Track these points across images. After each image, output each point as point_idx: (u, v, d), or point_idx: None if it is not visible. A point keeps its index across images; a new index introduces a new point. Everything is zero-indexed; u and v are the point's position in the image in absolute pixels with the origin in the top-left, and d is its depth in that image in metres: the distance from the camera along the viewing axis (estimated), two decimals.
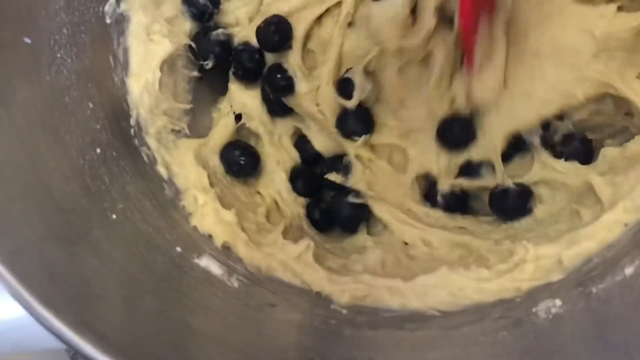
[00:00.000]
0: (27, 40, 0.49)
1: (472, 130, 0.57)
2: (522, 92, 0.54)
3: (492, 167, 0.56)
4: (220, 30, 0.61)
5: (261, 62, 0.62)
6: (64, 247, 0.41)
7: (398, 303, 0.51)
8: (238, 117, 0.63)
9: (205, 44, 0.61)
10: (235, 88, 0.63)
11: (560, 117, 0.55)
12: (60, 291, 0.37)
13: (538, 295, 0.47)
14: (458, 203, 0.59)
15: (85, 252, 0.42)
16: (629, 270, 0.44)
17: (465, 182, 0.58)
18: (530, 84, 0.54)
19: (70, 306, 0.36)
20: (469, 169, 0.58)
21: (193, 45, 0.61)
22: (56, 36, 0.51)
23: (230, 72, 0.63)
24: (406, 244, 0.58)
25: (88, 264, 0.41)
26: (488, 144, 0.56)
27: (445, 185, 0.58)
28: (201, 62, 0.62)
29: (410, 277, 0.52)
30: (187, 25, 0.62)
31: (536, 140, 0.55)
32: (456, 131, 0.57)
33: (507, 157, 0.57)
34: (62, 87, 0.51)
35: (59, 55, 0.51)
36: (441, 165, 0.58)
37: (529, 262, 0.50)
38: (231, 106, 0.63)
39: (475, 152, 0.57)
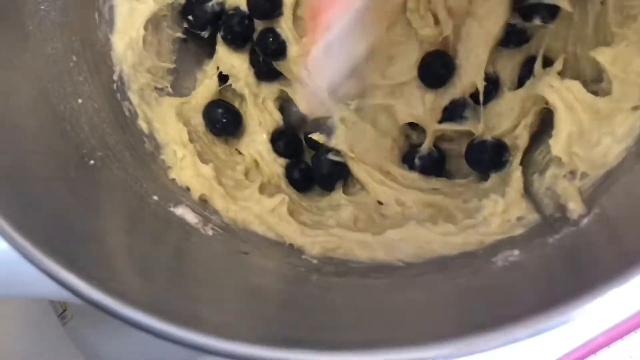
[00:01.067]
0: None
1: (450, 62, 0.59)
2: None
3: (474, 109, 0.59)
4: (214, 1, 0.63)
5: (250, 27, 0.63)
6: (39, 183, 0.42)
7: (366, 255, 0.53)
8: (222, 79, 0.65)
9: (202, 15, 0.63)
10: (223, 50, 0.65)
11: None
12: (34, 221, 0.39)
13: (499, 247, 0.49)
14: (434, 165, 0.61)
15: (61, 189, 0.44)
16: (584, 222, 0.46)
17: (449, 127, 0.60)
18: None
19: (43, 235, 0.38)
20: (453, 113, 0.60)
21: (190, 18, 0.63)
22: None
23: (219, 35, 0.64)
24: (381, 203, 0.60)
25: (63, 200, 0.43)
26: (471, 69, 0.58)
27: (431, 130, 0.60)
28: (198, 32, 0.63)
29: (379, 232, 0.54)
30: None
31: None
32: (435, 65, 0.59)
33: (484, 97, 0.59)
34: (46, 38, 0.52)
35: (42, 7, 0.53)
36: (426, 107, 0.60)
37: (495, 216, 0.52)
38: (217, 68, 0.65)
39: (458, 86, 0.59)
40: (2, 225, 0.37)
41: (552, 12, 0.57)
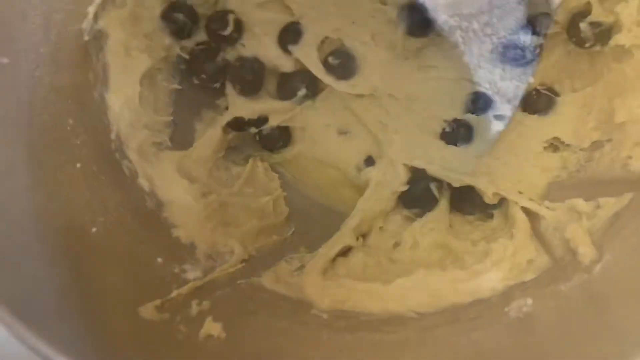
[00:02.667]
0: (5, 60, 0.49)
1: None
2: None
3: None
4: (221, 55, 0.62)
5: (261, 73, 0.62)
6: (42, 264, 0.42)
7: (377, 306, 0.52)
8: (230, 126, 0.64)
9: (214, 70, 0.62)
10: (234, 101, 0.63)
11: None
12: (36, 306, 0.38)
13: (511, 294, 0.48)
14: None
15: (65, 268, 0.43)
16: (597, 269, 0.45)
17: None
18: None
19: (46, 322, 0.37)
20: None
21: (204, 77, 0.63)
22: (33, 55, 0.52)
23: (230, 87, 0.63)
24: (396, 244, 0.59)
25: (68, 280, 0.42)
26: None
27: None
28: (214, 85, 0.63)
29: (389, 280, 0.54)
30: (165, 40, 0.62)
31: None
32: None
33: None
34: (41, 106, 0.52)
35: (37, 74, 0.52)
36: None
37: (505, 260, 0.52)
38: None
39: None
40: (5, 317, 0.36)
41: None
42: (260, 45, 0.61)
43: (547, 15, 0.54)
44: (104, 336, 0.39)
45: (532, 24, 0.54)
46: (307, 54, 0.60)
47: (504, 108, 0.56)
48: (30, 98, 0.51)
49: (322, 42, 0.60)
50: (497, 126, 0.57)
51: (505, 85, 0.56)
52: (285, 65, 0.61)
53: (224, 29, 0.61)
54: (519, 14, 0.54)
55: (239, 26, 0.61)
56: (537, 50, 0.54)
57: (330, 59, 0.60)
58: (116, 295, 0.45)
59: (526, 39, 0.54)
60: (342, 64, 0.60)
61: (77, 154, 0.53)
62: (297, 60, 0.61)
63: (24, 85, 0.51)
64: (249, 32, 0.62)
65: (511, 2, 0.54)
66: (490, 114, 0.57)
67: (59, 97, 0.53)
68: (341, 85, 0.60)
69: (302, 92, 0.62)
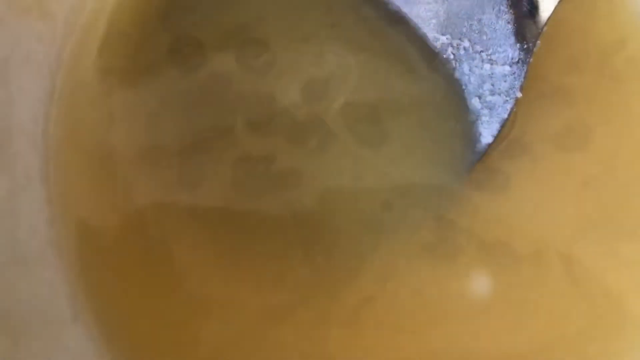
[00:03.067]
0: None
1: None
2: None
3: None
4: None
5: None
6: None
7: None
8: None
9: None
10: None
11: None
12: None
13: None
14: None
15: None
16: None
17: None
18: None
19: None
20: None
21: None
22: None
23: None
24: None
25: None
26: None
27: None
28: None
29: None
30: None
31: None
32: None
33: None
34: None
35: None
36: None
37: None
38: None
39: None
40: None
41: None
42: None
43: (535, 31, 0.53)
44: None
45: (520, 41, 0.53)
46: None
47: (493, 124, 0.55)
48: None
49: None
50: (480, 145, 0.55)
51: (494, 99, 0.55)
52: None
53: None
54: (507, 31, 0.53)
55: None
56: (525, 67, 0.53)
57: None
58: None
59: (514, 55, 0.53)
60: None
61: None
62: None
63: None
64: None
65: (501, 21, 0.53)
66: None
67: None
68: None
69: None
